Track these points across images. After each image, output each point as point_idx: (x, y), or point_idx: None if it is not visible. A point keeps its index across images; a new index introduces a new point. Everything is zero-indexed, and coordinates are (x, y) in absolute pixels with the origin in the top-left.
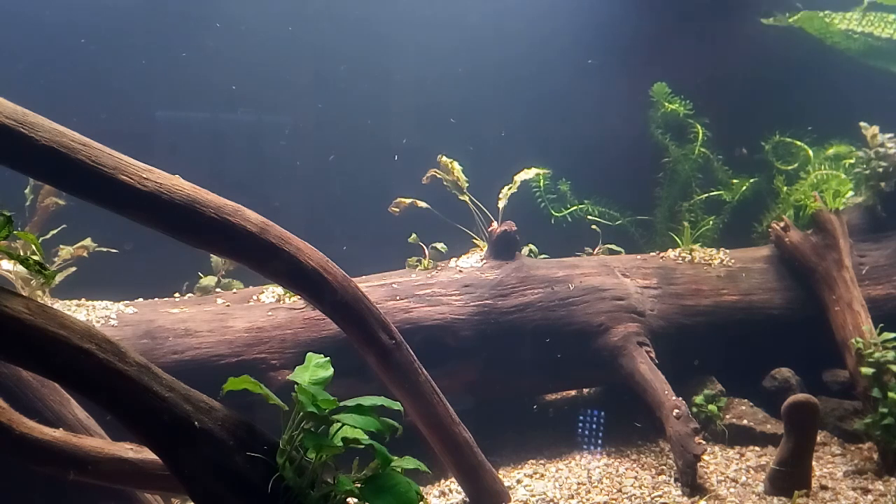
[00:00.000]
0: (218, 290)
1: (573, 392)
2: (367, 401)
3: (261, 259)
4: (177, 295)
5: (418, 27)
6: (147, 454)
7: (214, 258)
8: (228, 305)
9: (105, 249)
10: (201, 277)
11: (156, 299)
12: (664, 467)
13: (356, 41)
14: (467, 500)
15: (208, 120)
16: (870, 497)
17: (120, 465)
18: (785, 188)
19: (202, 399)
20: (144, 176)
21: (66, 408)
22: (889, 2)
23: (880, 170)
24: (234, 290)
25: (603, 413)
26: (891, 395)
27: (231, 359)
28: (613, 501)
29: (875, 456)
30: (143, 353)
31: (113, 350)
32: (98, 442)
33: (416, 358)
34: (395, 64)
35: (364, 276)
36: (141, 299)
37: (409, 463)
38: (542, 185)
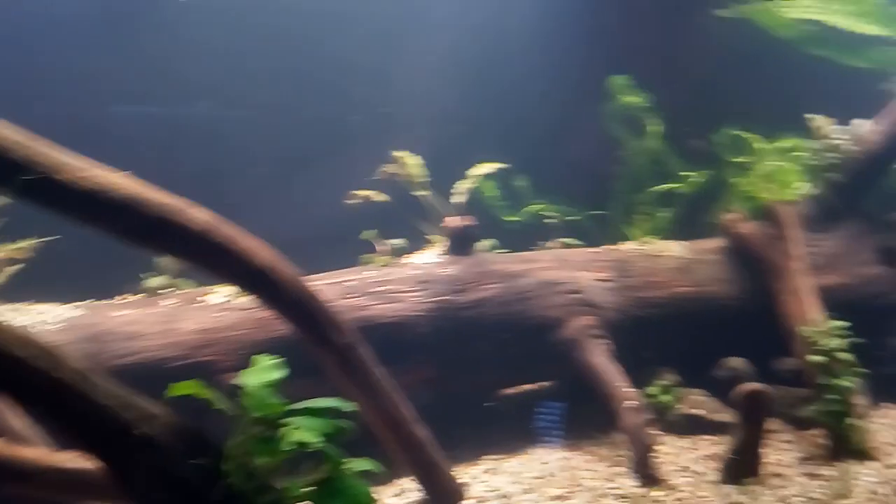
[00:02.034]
0: (166, 290)
1: (531, 386)
2: (320, 402)
3: (209, 259)
4: (123, 297)
5: (377, 21)
6: (88, 464)
7: (162, 258)
8: (177, 307)
9: (43, 239)
10: (148, 278)
11: (101, 301)
12: (620, 459)
13: (312, 34)
14: (424, 498)
15: (163, 114)
16: (819, 482)
17: (60, 475)
18: (736, 180)
19: (146, 405)
20: (83, 174)
21: (2, 417)
22: None
23: (829, 161)
24: (183, 291)
25: (560, 406)
26: (839, 382)
27: (179, 361)
28: (570, 494)
29: (824, 442)
30: (88, 357)
31: (50, 357)
32: (37, 452)
33: (371, 357)
34: (354, 57)
35: (318, 274)
36: (86, 301)
37: (364, 464)
38: (491, 193)
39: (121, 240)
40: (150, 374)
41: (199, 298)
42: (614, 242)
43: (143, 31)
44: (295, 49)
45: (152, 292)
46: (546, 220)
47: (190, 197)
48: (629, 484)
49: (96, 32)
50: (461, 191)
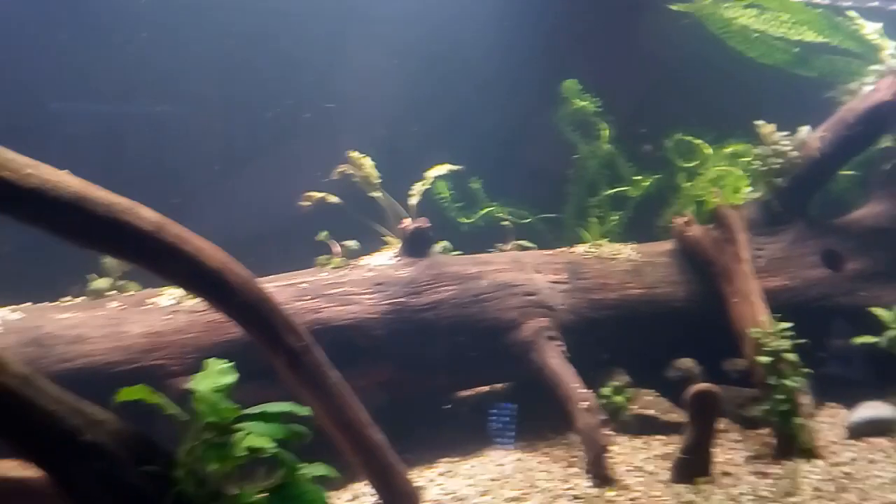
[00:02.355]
0: (112, 292)
1: (486, 388)
2: (274, 407)
3: (157, 260)
4: (66, 299)
5: (327, 18)
6: (33, 472)
7: (108, 259)
8: (123, 309)
9: None
10: (94, 280)
11: (44, 304)
12: (574, 459)
13: (261, 30)
14: (380, 502)
15: (104, 112)
16: (768, 480)
17: (2, 484)
18: (686, 184)
19: (93, 410)
20: (28, 171)
21: None
22: (767, 3)
23: (776, 166)
24: (130, 293)
25: (515, 408)
26: (786, 382)
27: (127, 366)
28: (525, 496)
29: (772, 441)
30: (30, 361)
31: None
32: None
33: (326, 360)
34: (303, 56)
35: (271, 276)
36: (28, 304)
37: (318, 469)
38: (446, 195)
39: (67, 240)
40: (96, 380)
41: (147, 301)
42: (568, 245)
43: (86, 29)
44: (244, 46)
45: (98, 294)
46: (502, 223)
47: (133, 197)
48: (584, 485)
49: (35, 29)
50: (416, 192)
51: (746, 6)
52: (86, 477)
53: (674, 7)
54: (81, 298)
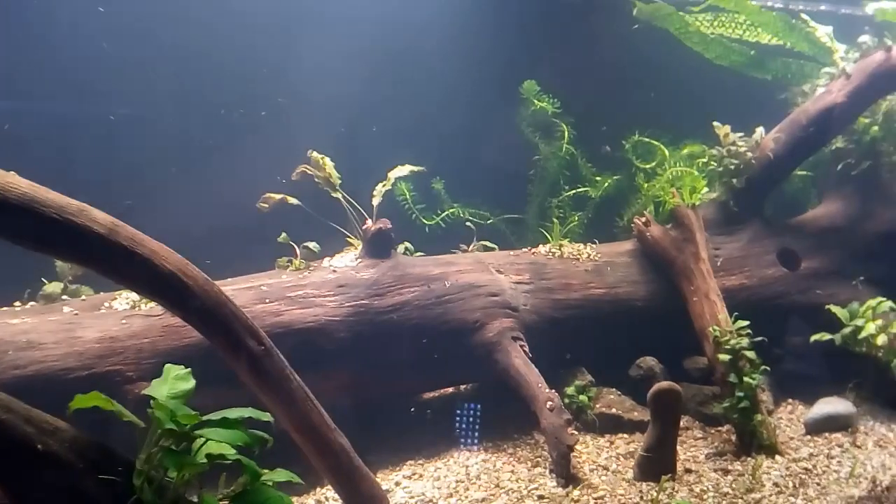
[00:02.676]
0: (65, 297)
1: (451, 389)
2: (234, 413)
3: (111, 263)
4: (17, 304)
5: (289, 18)
6: None
7: (60, 263)
8: (77, 314)
9: None
10: (45, 284)
11: None
12: (539, 459)
13: (221, 28)
14: None
15: (53, 110)
16: (730, 477)
17: None
18: (645, 185)
19: (46, 419)
20: None
21: None
22: (724, 4)
23: (732, 167)
24: (83, 298)
25: (480, 409)
26: (746, 379)
27: (81, 372)
28: (492, 497)
29: (733, 438)
30: None
31: None
32: None
33: (287, 363)
34: (263, 55)
35: (230, 279)
36: None
37: (281, 475)
38: (408, 196)
39: (16, 243)
40: (49, 387)
41: (102, 305)
42: (530, 245)
43: (34, 28)
44: (202, 45)
45: (50, 299)
46: (466, 223)
47: (84, 199)
48: (549, 485)
49: None
50: (378, 193)
51: (703, 9)
52: (40, 488)
53: (635, 12)
54: (32, 303)
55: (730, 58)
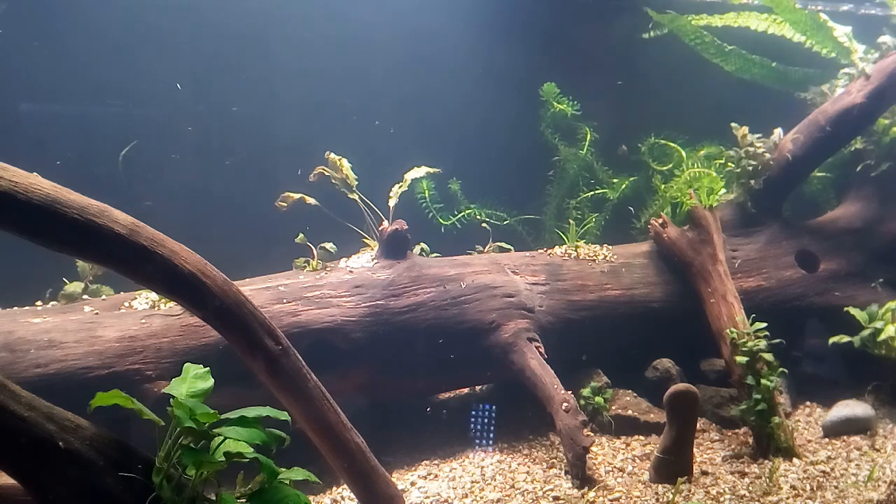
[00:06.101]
0: (85, 297)
1: (466, 390)
2: (252, 412)
3: (131, 263)
4: (39, 303)
5: (307, 20)
6: (6, 480)
7: (81, 263)
8: (97, 313)
9: None
10: (66, 284)
11: (15, 308)
12: (555, 461)
13: (239, 31)
14: None
15: (76, 113)
16: (747, 480)
17: None
18: (662, 186)
19: (67, 417)
20: None
21: None
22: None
23: (750, 168)
24: (104, 297)
25: (495, 410)
26: (763, 381)
27: (101, 371)
28: (507, 498)
29: (750, 440)
30: (1, 367)
31: None
32: None
33: (304, 363)
34: (282, 57)
35: (248, 279)
36: None
37: (298, 474)
38: (427, 194)
39: (38, 243)
40: (70, 385)
41: (122, 304)
42: (547, 247)
43: (57, 29)
44: (221, 49)
45: (71, 298)
46: (482, 224)
47: (104, 199)
48: (565, 486)
49: (8, 29)
50: (394, 194)
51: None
52: (62, 485)
53: (651, 25)
54: (53, 303)
55: (751, 70)
